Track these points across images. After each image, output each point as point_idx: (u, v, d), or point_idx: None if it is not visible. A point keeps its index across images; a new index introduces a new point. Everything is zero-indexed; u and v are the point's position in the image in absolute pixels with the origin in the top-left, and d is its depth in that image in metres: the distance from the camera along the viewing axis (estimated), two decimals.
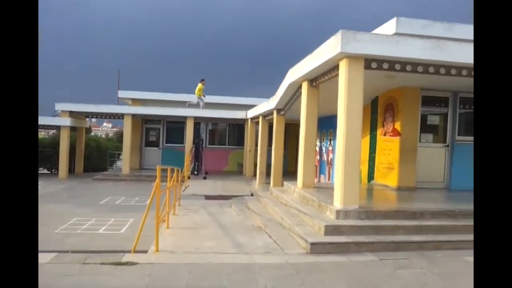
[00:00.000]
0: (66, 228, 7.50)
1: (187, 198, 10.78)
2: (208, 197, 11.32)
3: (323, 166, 13.77)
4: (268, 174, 12.66)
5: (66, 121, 16.69)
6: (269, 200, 8.67)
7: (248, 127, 17.52)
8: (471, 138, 8.87)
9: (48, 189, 13.20)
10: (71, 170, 18.63)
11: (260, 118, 14.23)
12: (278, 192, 8.91)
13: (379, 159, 9.54)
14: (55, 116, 17.49)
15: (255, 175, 14.87)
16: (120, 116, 17.62)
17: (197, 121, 18.50)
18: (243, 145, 18.83)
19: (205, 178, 15.96)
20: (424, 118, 8.86)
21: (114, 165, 23.04)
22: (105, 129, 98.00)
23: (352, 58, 5.76)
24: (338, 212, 5.79)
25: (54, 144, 18.87)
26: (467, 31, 7.28)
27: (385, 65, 5.94)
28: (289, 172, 16.40)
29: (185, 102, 18.62)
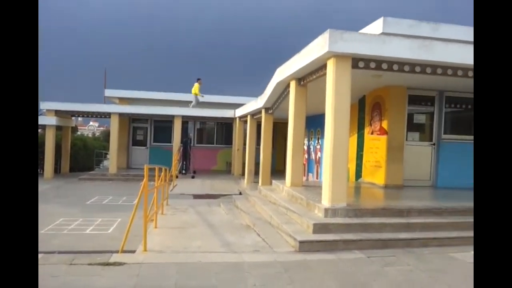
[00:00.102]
0: (53, 229, 7.40)
1: (175, 197, 10.72)
2: (196, 196, 11.28)
3: (311, 164, 13.83)
4: (256, 173, 12.66)
5: (52, 120, 16.47)
6: (257, 199, 8.68)
7: (237, 126, 17.50)
8: (457, 136, 9.02)
9: None
10: (57, 170, 18.37)
11: (249, 117, 14.23)
12: (266, 191, 8.92)
13: (366, 158, 9.63)
14: (40, 115, 17.24)
15: (243, 174, 14.86)
16: (107, 115, 17.43)
17: (185, 120, 18.40)
18: (231, 144, 18.79)
19: (193, 177, 15.90)
20: (410, 117, 8.96)
21: (101, 165, 22.81)
22: (91, 128, 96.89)
23: (339, 57, 5.79)
24: (326, 210, 5.82)
25: (39, 143, 18.59)
26: (453, 31, 7.40)
27: (372, 65, 6.00)
28: (278, 170, 16.43)
29: (173, 101, 18.47)
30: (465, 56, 6.03)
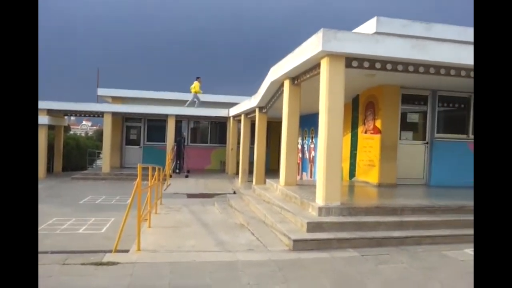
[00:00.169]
0: (45, 228, 7.35)
1: (169, 196, 10.70)
2: (190, 196, 11.26)
3: (305, 163, 13.86)
4: (250, 172, 12.66)
5: (44, 119, 16.32)
6: (251, 198, 8.68)
7: (230, 125, 17.49)
8: (450, 135, 9.09)
9: None
10: (50, 170, 18.26)
11: (242, 116, 14.22)
12: (260, 190, 8.93)
13: (360, 156, 9.66)
14: None
15: (237, 173, 14.86)
16: (100, 114, 17.35)
17: (179, 119, 18.35)
18: (225, 143, 18.78)
19: (187, 176, 15.87)
20: (404, 116, 9.01)
21: (94, 164, 22.70)
22: (84, 127, 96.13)
23: (333, 56, 5.80)
24: (320, 209, 5.84)
25: None
26: (446, 31, 7.44)
27: (366, 64, 6.01)
28: (272, 170, 16.45)
29: (167, 100, 18.37)
30: (458, 55, 6.08)
